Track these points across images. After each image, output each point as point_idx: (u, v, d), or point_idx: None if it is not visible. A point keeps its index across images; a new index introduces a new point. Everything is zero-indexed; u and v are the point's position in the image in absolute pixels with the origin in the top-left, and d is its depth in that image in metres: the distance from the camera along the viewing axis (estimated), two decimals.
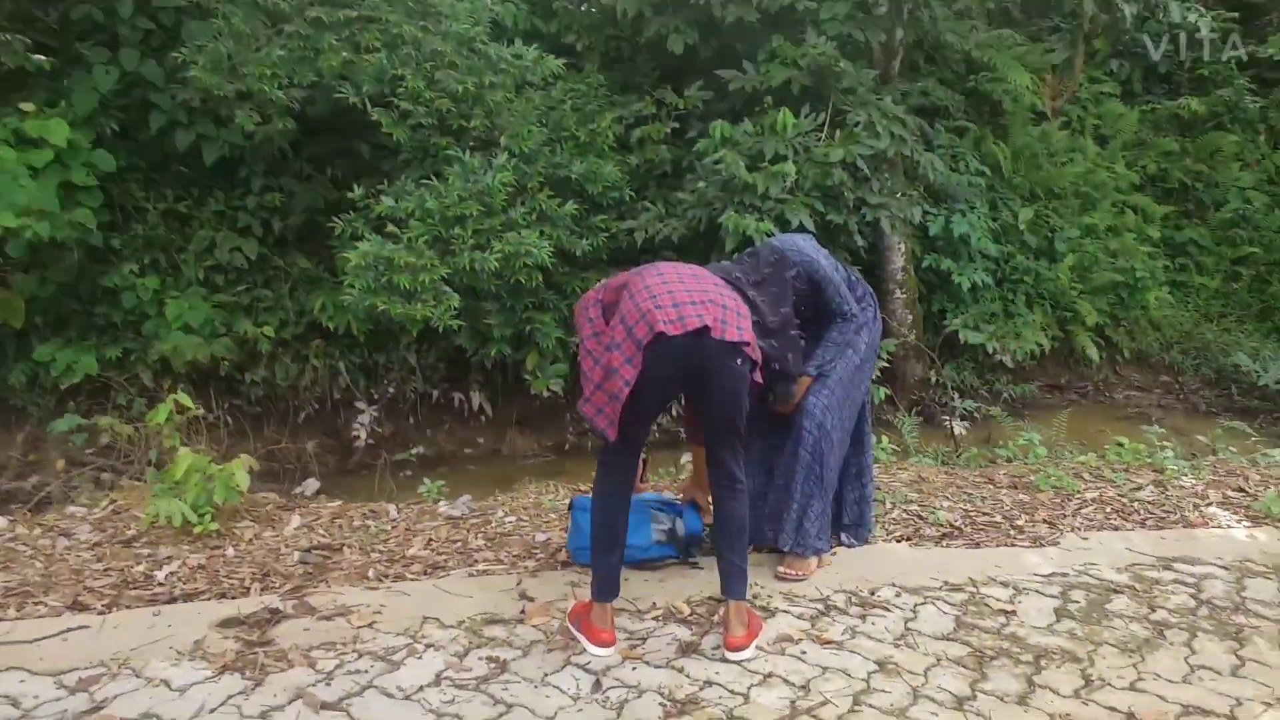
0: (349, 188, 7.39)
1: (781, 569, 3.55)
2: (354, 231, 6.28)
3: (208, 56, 5.91)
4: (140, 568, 3.59)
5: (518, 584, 3.49)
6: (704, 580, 3.51)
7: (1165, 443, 5.55)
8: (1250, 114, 11.82)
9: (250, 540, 3.92)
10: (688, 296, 2.91)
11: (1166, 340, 10.37)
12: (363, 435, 7.48)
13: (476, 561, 3.72)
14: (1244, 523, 4.26)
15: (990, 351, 8.88)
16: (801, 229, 6.39)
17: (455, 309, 5.88)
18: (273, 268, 7.39)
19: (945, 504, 4.42)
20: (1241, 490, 4.75)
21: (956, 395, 8.95)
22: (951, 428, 7.43)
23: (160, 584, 3.47)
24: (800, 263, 3.54)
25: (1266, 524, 4.25)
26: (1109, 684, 2.94)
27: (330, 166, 7.46)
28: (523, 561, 3.72)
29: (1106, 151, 11.26)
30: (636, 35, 8.31)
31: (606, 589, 3.07)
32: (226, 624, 3.14)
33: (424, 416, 7.90)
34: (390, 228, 6.10)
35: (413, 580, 3.54)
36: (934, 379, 8.82)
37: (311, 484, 5.95)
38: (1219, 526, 4.21)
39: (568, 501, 4.30)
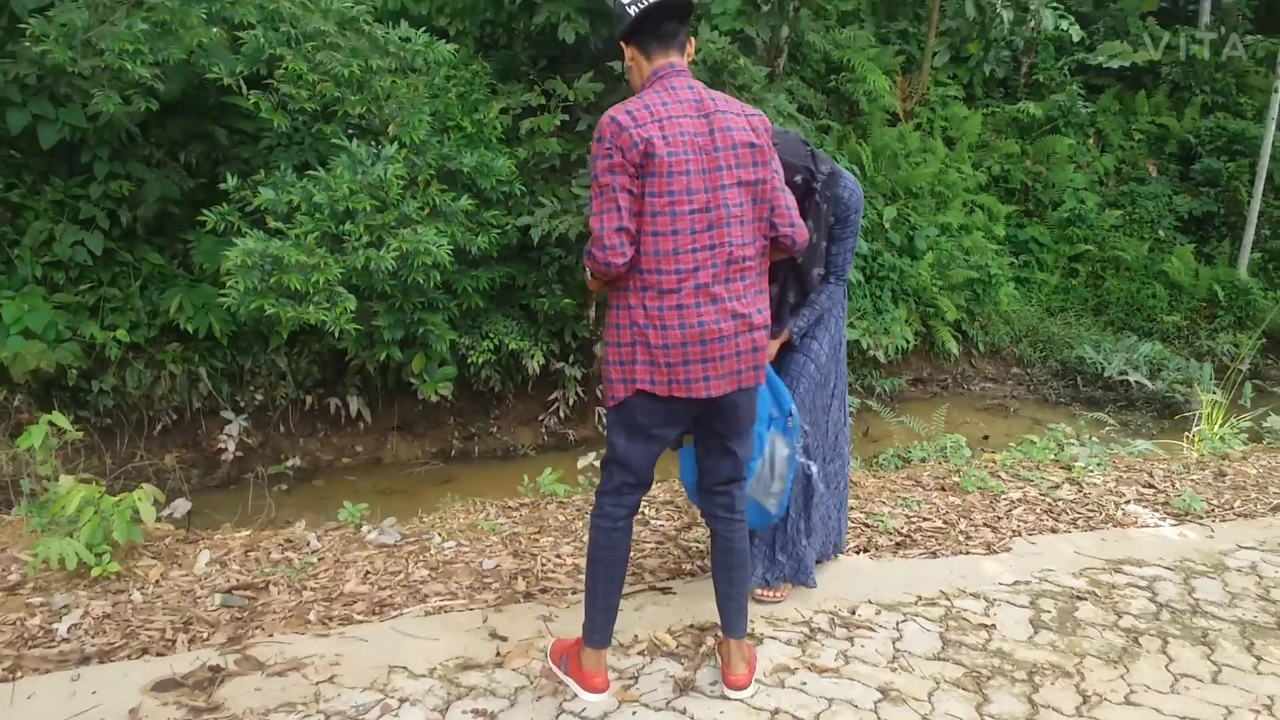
0: (205, 175, 6.79)
1: (759, 591, 3.40)
2: (228, 226, 5.72)
3: (56, 28, 5.22)
4: (36, 620, 3.09)
5: (484, 621, 3.20)
6: (680, 606, 3.32)
7: (1071, 440, 5.74)
8: (1082, 118, 12.57)
9: (157, 582, 3.45)
10: (713, 335, 2.57)
11: (1016, 334, 10.89)
12: (230, 447, 6.89)
13: (427, 596, 3.39)
14: (1169, 521, 4.42)
15: (865, 348, 9.06)
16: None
17: (352, 312, 5.43)
18: (120, 264, 6.66)
19: (886, 509, 4.39)
20: (1151, 486, 4.94)
21: None
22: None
23: (66, 639, 2.99)
24: (846, 191, 3.27)
25: (1190, 521, 4.43)
26: (1105, 699, 2.94)
27: (184, 152, 6.80)
28: (479, 594, 3.42)
29: (954, 153, 11.74)
30: (514, 22, 7.99)
31: (603, 635, 2.81)
32: (162, 687, 2.72)
33: (296, 425, 7.35)
34: (273, 222, 5.58)
35: (363, 622, 3.19)
36: None
37: (181, 505, 5.37)
38: (1147, 525, 4.35)
39: (494, 526, 4.04)
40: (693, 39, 2.70)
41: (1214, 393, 10.10)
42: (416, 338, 6.60)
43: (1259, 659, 3.22)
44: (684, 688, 2.87)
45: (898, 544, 4.01)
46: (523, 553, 3.79)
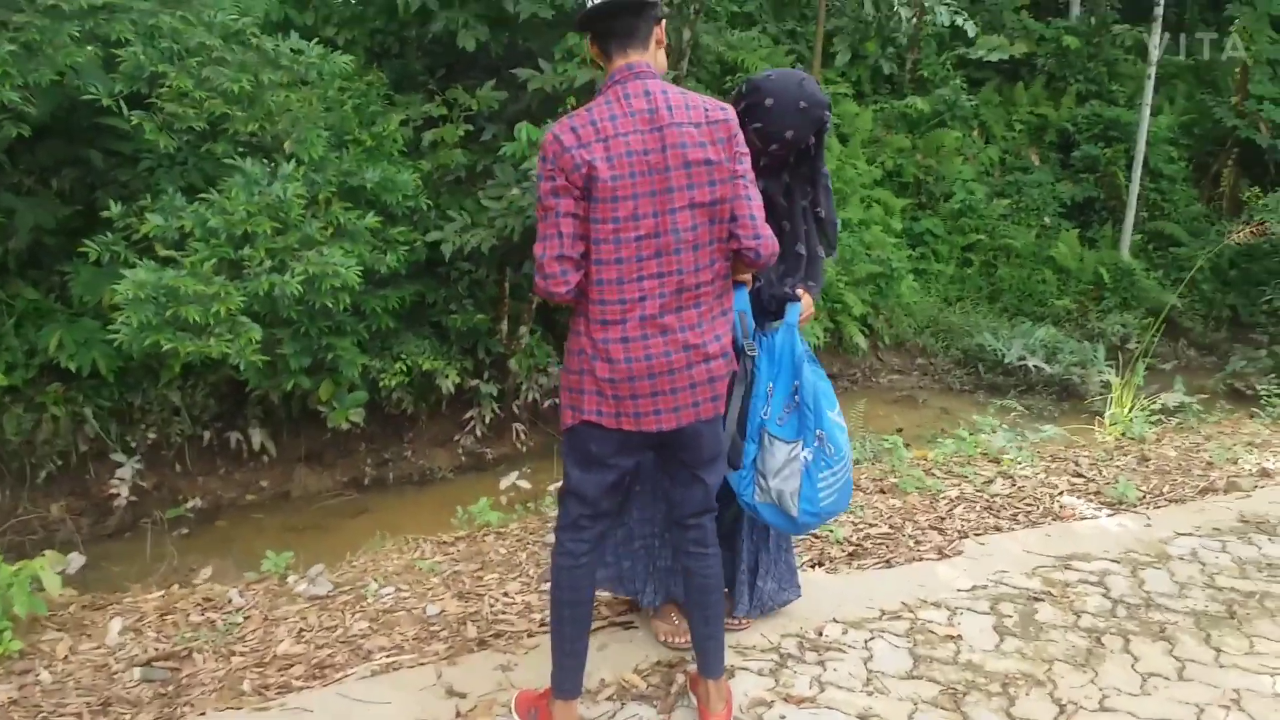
0: (81, 202, 6.32)
1: (728, 620, 3.26)
2: (112, 256, 5.32)
3: None
4: None
5: (438, 677, 2.98)
6: (644, 642, 3.17)
7: (996, 427, 5.80)
8: (966, 111, 12.87)
9: (66, 657, 3.13)
10: (662, 367, 2.41)
11: (919, 325, 11.06)
12: (123, 492, 6.43)
13: (371, 653, 3.16)
14: (1105, 511, 4.47)
15: None
16: None
17: (257, 343, 5.10)
18: None
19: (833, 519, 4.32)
20: (1080, 475, 5.01)
21: None
22: None
23: None
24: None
25: (1125, 510, 4.49)
26: (1080, 706, 2.91)
27: (56, 178, 6.32)
28: (428, 645, 3.20)
29: (848, 149, 11.88)
30: (406, 30, 7.71)
31: (573, 684, 2.64)
32: None
33: (194, 463, 6.93)
34: (163, 250, 5.21)
35: (304, 689, 2.94)
36: None
37: (75, 559, 4.98)
38: (1086, 518, 4.39)
39: (432, 566, 3.82)
40: (662, 25, 2.48)
41: (1106, 372, 10.50)
42: (324, 364, 6.28)
43: (1218, 650, 3.24)
44: None
45: (850, 554, 3.94)
46: (468, 594, 3.58)
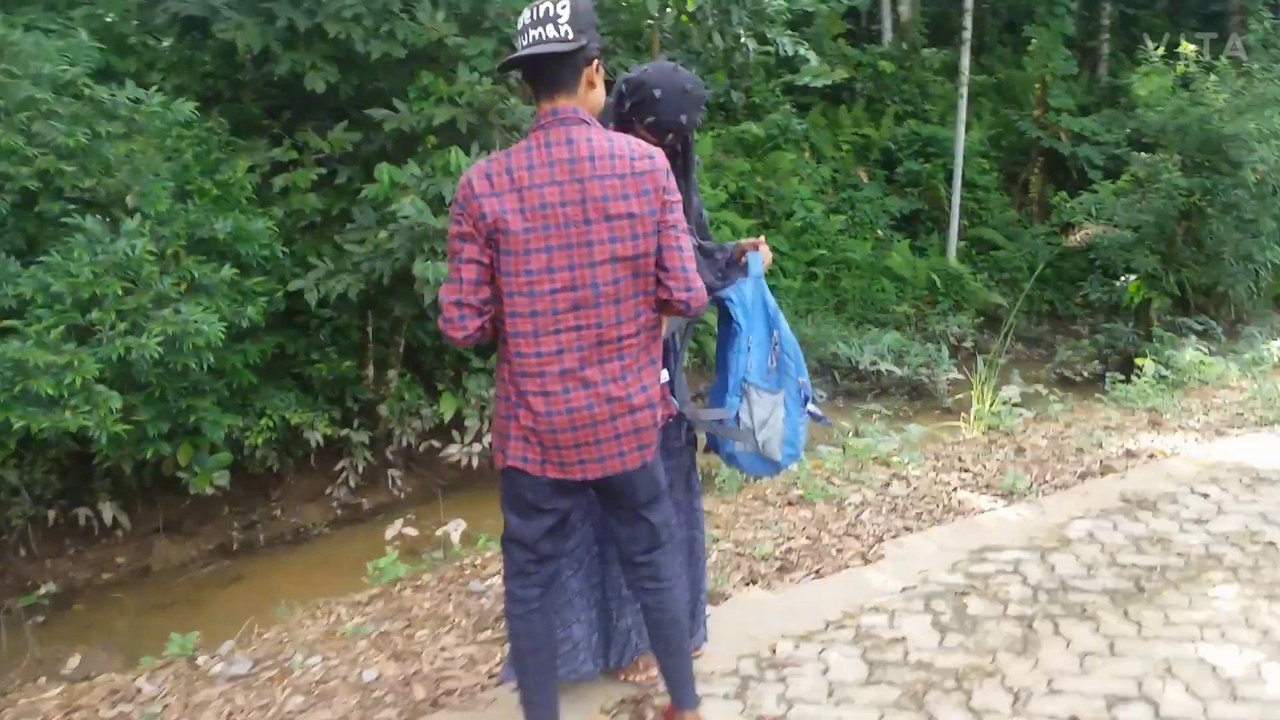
0: None
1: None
2: None
3: None
4: None
5: None
6: (603, 680, 3.08)
7: (872, 435, 5.99)
8: (798, 135, 13.40)
9: None
10: (584, 420, 2.34)
11: None
12: None
13: None
14: (1001, 502, 4.68)
15: None
16: None
17: (118, 411, 4.72)
18: None
19: (749, 534, 4.35)
20: (967, 470, 5.23)
21: None
22: None
23: None
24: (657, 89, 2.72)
25: (1018, 500, 4.71)
26: (1032, 692, 3.02)
27: None
28: (376, 714, 3.01)
29: (694, 175, 12.12)
30: (238, 73, 7.39)
31: None
32: None
33: (40, 544, 6.35)
34: (2, 321, 4.77)
35: None
36: None
37: None
38: (985, 511, 4.58)
39: (356, 629, 3.62)
40: (594, 65, 2.37)
41: (952, 371, 11.07)
42: (185, 428, 5.88)
43: (1139, 624, 3.43)
44: None
45: (779, 569, 3.97)
46: (403, 654, 3.40)
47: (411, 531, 6.90)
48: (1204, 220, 10.75)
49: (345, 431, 7.27)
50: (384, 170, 6.10)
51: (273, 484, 7.35)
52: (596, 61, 2.38)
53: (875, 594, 3.70)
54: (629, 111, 2.70)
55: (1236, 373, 7.44)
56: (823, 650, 3.28)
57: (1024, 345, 12.90)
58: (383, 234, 6.02)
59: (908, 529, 4.40)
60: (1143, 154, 11.58)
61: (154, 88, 5.62)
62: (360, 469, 7.46)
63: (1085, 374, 11.41)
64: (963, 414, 6.96)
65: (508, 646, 3.24)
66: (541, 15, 2.29)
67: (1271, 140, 10.10)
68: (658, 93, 2.70)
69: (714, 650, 3.25)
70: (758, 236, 3.07)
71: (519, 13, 6.74)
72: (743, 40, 8.04)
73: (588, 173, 2.28)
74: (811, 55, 8.39)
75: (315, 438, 7.00)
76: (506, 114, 6.54)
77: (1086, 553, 4.04)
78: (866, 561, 4.01)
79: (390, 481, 7.62)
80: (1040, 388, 8.63)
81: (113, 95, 5.31)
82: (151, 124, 5.46)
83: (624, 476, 2.44)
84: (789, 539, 4.31)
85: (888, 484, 5.06)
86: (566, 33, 2.28)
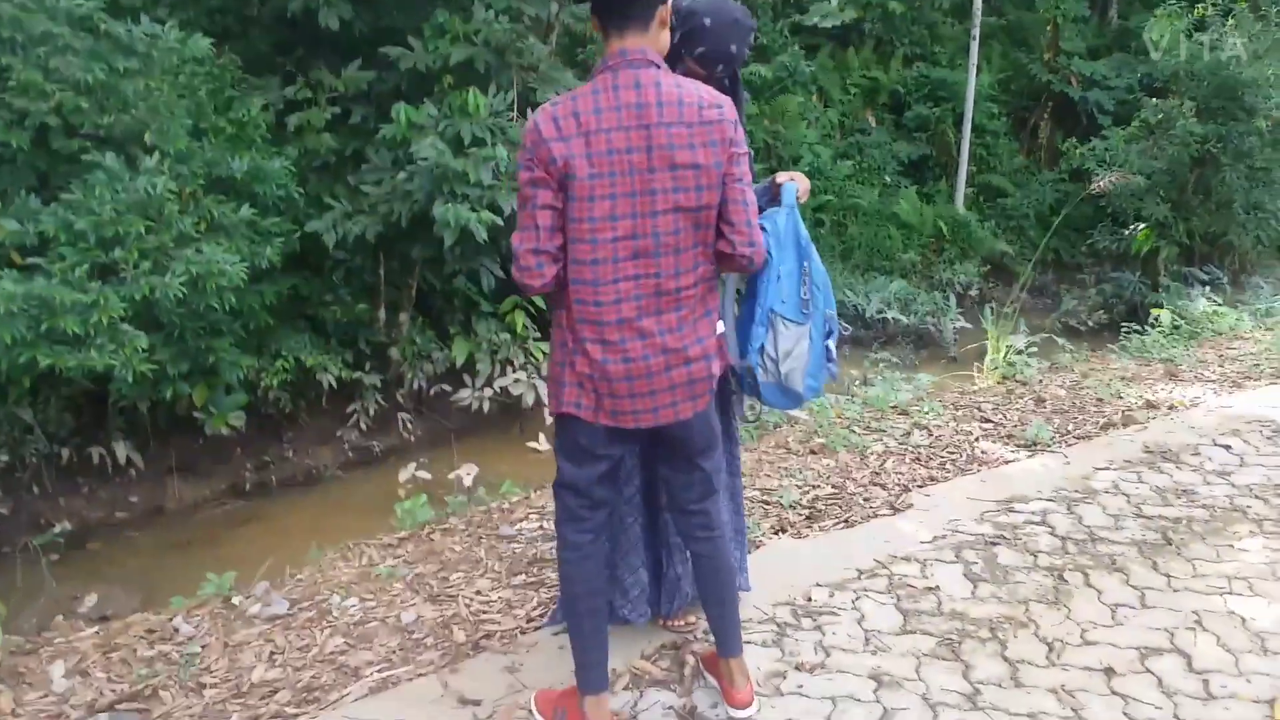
0: None
1: (670, 622, 3.15)
2: None
3: None
4: None
5: (445, 687, 2.83)
6: (645, 626, 3.11)
7: (892, 385, 6.00)
8: (805, 77, 13.18)
9: (14, 712, 2.81)
10: (640, 370, 2.33)
11: None
12: None
13: (359, 670, 2.97)
14: (1024, 453, 4.70)
15: None
16: (515, 216, 5.96)
17: (143, 351, 4.70)
18: None
19: (775, 482, 4.37)
20: (989, 420, 5.25)
21: None
22: None
23: None
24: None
25: (1042, 451, 4.73)
26: (1065, 643, 3.06)
27: None
28: (418, 655, 3.04)
29: (743, 110, 11.98)
30: (245, 8, 7.23)
31: (600, 676, 2.57)
32: None
33: (54, 483, 6.35)
34: (19, 259, 4.71)
35: (301, 716, 2.74)
36: None
37: None
38: (1009, 461, 4.60)
39: (390, 571, 3.64)
40: (668, 5, 2.32)
41: (959, 320, 11.07)
42: (203, 368, 5.85)
43: (1168, 576, 3.47)
44: (688, 716, 2.69)
45: (808, 517, 3.99)
46: (439, 596, 3.43)
47: (425, 475, 6.93)
48: (1217, 168, 10.68)
49: (357, 374, 7.25)
50: (401, 110, 6.00)
51: (285, 425, 7.35)
52: (669, 3, 2.34)
53: (905, 543, 3.73)
54: (678, 43, 2.62)
55: (1250, 323, 7.45)
56: (857, 599, 3.31)
57: (1029, 294, 12.82)
58: (401, 175, 5.93)
59: (933, 479, 4.42)
60: (1154, 100, 11.47)
61: (173, 22, 5.48)
62: (371, 412, 7.45)
63: (1091, 323, 11.43)
64: (976, 364, 6.97)
65: (554, 593, 3.30)
66: None
67: None
68: (708, 21, 2.64)
69: (750, 598, 3.28)
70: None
71: None
72: None
73: (654, 119, 2.23)
74: None
75: (328, 379, 6.98)
76: (524, 53, 6.43)
77: (1113, 504, 4.07)
78: (895, 511, 4.04)
79: (401, 425, 7.62)
80: (1051, 336, 8.65)
81: (129, 30, 5.19)
82: (167, 60, 5.34)
83: (679, 425, 2.44)
84: (814, 487, 4.33)
85: (909, 433, 5.08)
86: None
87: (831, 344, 2.89)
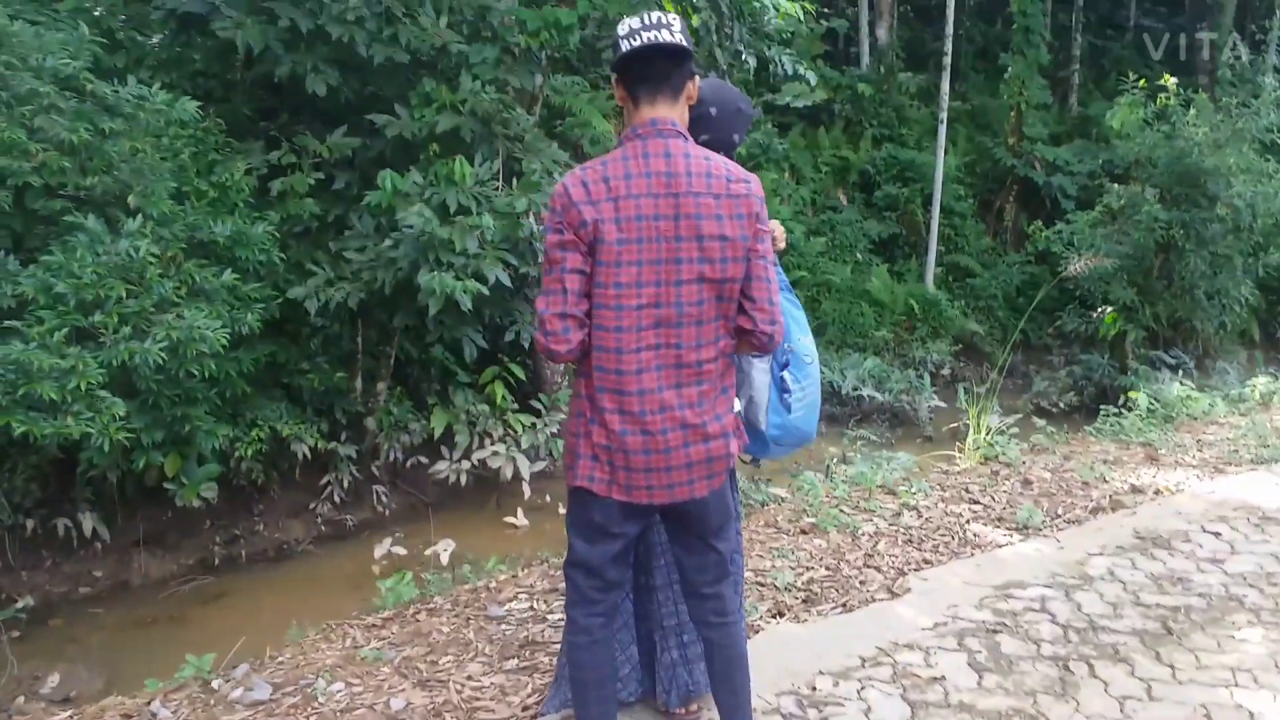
0: None
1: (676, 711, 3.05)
2: None
3: None
4: None
5: None
6: (649, 713, 3.00)
7: (879, 464, 5.98)
8: (779, 155, 13.42)
9: None
10: (658, 445, 2.28)
11: None
12: None
13: None
14: (1016, 537, 4.67)
15: None
16: (499, 284, 5.94)
17: (121, 418, 4.55)
18: None
19: (768, 563, 4.29)
20: (977, 502, 5.22)
21: None
22: None
23: None
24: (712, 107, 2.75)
25: (1033, 534, 4.70)
26: None
27: None
28: None
29: None
30: (228, 72, 7.23)
31: None
32: None
33: (17, 556, 6.11)
34: (2, 321, 4.58)
35: None
36: None
37: None
38: (1003, 545, 4.56)
39: (376, 654, 3.50)
40: (695, 80, 2.35)
41: (934, 399, 11.13)
42: (177, 437, 5.69)
43: (1172, 667, 3.42)
44: None
45: (805, 600, 3.91)
46: (429, 682, 3.29)
47: (400, 550, 6.79)
48: (1180, 254, 10.93)
49: (332, 445, 7.09)
50: (387, 177, 5.97)
51: (256, 497, 7.16)
52: (697, 77, 2.35)
53: (907, 630, 3.65)
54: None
55: (1223, 408, 7.55)
56: (862, 689, 3.22)
57: (997, 373, 13.01)
58: (386, 242, 5.88)
59: (927, 561, 4.37)
60: (1117, 186, 11.77)
61: (156, 85, 5.44)
62: (345, 484, 7.27)
63: (1062, 404, 11.54)
64: (957, 444, 6.97)
65: (548, 678, 3.17)
66: (654, 21, 2.25)
67: (1246, 174, 10.29)
68: (713, 110, 2.67)
69: (752, 685, 3.18)
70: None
71: (522, 22, 6.74)
72: (744, 57, 8.02)
73: (683, 188, 2.23)
74: (810, 74, 8.39)
75: (302, 450, 6.82)
76: (510, 124, 6.45)
77: (1110, 591, 4.03)
78: (893, 595, 3.97)
79: (376, 497, 7.45)
80: (1027, 416, 8.71)
81: (115, 91, 5.14)
82: (152, 122, 5.29)
83: (694, 503, 2.38)
84: (808, 569, 4.26)
85: (898, 514, 5.04)
86: (681, 40, 2.25)
87: (787, 375, 2.84)
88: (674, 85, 2.30)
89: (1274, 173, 10.61)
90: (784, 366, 2.83)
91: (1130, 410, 7.34)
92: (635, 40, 2.24)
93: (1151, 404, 7.42)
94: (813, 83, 8.66)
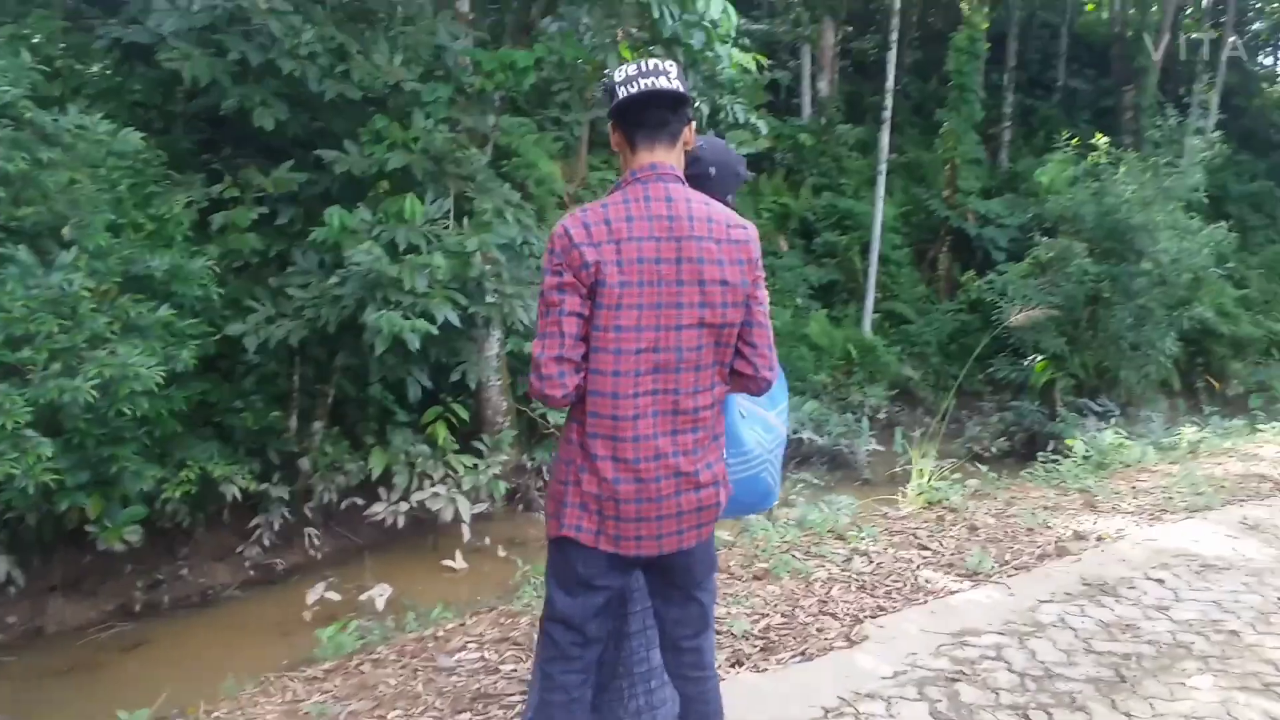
0: None
1: None
2: None
3: None
4: None
5: None
6: None
7: (823, 508, 5.97)
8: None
9: None
10: (650, 493, 2.23)
11: None
12: None
13: None
14: (967, 584, 4.67)
15: None
16: (449, 325, 5.84)
17: (47, 459, 4.34)
18: None
19: (723, 609, 4.22)
20: (926, 548, 5.23)
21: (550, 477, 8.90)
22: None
23: None
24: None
25: (984, 581, 4.71)
26: None
27: None
28: None
29: None
30: (168, 104, 7.07)
31: None
32: None
33: None
34: None
35: None
36: (526, 463, 8.63)
37: None
38: (954, 592, 4.56)
39: (321, 709, 3.35)
40: (691, 126, 2.32)
41: (872, 443, 11.23)
42: (104, 478, 5.45)
43: (1128, 715, 3.42)
44: None
45: (763, 648, 3.85)
46: None
47: (334, 596, 6.56)
48: (1108, 306, 11.26)
49: (264, 486, 6.87)
50: (334, 214, 5.86)
51: (181, 540, 6.89)
52: (693, 123, 2.33)
53: (867, 679, 3.61)
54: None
55: (1154, 456, 7.72)
56: None
57: (931, 418, 13.20)
58: (332, 280, 5.76)
59: (881, 609, 4.34)
60: (1045, 239, 12.11)
61: (97, 115, 5.28)
62: (276, 527, 7.04)
63: (994, 449, 11.73)
64: (900, 488, 7.00)
65: None
66: (651, 68, 2.23)
67: (1171, 231, 10.67)
68: (713, 171, 2.68)
69: None
70: None
71: (477, 62, 6.71)
72: (697, 104, 8.11)
73: (685, 232, 2.20)
74: (760, 123, 8.50)
75: (232, 492, 6.60)
76: (463, 163, 6.40)
77: (1062, 638, 4.04)
78: (851, 643, 3.93)
79: (308, 540, 7.23)
80: (961, 462, 8.81)
81: (55, 120, 4.97)
82: (92, 153, 5.12)
83: (681, 554, 2.32)
84: (764, 615, 4.20)
85: (849, 559, 5.01)
86: (678, 87, 2.23)
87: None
88: (671, 131, 2.28)
89: (1196, 230, 11.00)
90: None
91: (1066, 457, 7.47)
92: (632, 87, 2.22)
93: (1086, 452, 7.55)
94: (763, 131, 8.76)
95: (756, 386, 2.34)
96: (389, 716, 3.30)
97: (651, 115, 2.26)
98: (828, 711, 3.36)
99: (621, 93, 2.23)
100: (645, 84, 2.21)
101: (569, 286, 2.18)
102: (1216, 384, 14.97)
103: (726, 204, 2.70)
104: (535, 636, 3.85)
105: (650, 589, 2.50)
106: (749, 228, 2.31)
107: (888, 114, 13.45)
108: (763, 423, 2.75)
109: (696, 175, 2.60)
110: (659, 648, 2.56)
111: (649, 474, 2.21)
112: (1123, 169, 11.03)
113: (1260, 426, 9.41)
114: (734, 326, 2.26)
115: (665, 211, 2.21)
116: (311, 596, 6.32)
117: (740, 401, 2.69)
